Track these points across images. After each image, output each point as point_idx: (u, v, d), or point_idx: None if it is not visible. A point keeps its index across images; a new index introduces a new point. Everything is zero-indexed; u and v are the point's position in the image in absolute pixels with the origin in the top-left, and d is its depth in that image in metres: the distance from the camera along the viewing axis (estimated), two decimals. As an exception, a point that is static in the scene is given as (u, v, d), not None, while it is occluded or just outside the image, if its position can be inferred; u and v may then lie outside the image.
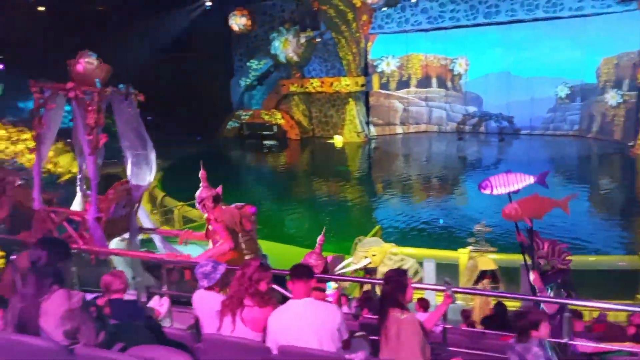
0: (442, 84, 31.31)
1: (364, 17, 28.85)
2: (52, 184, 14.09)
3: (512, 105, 28.86)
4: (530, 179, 5.05)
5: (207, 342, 3.40)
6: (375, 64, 31.29)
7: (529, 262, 5.13)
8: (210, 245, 5.95)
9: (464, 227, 13.55)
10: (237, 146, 31.86)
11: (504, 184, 5.04)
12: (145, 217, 6.63)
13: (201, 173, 5.87)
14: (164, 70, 30.73)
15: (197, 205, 5.93)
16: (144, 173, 6.32)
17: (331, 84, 30.12)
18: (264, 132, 32.08)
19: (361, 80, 30.06)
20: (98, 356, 2.79)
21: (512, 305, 7.07)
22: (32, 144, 18.13)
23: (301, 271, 3.41)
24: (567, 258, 4.97)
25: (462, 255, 10.13)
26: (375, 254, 9.61)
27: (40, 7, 26.99)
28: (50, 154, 18.32)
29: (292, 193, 21.09)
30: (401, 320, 3.17)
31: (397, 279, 3.31)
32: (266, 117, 32.37)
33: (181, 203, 15.12)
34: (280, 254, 10.18)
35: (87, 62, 5.60)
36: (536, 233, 5.12)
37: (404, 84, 31.72)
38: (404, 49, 31.20)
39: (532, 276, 4.77)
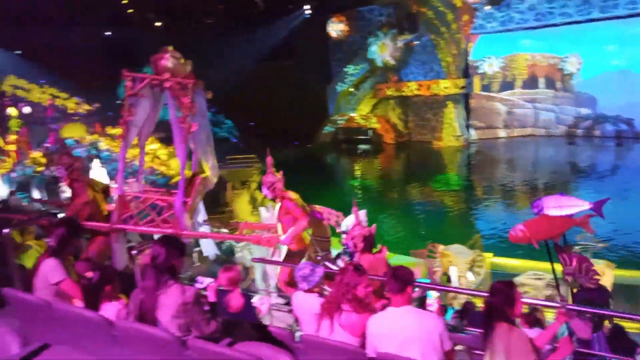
0: (550, 84, 29.28)
1: (465, 17, 27.89)
2: (165, 184, 15.22)
3: (631, 106, 26.18)
4: (585, 205, 4.91)
5: (306, 342, 3.46)
6: (476, 65, 30.06)
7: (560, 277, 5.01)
8: (280, 229, 6.13)
9: (571, 238, 12.52)
10: (333, 151, 32.27)
11: (557, 206, 4.89)
12: (202, 209, 6.89)
13: (268, 159, 6.13)
14: (264, 77, 32.00)
15: (264, 190, 6.22)
16: (213, 166, 6.56)
17: (429, 87, 29.48)
18: (359, 137, 32.20)
19: (461, 82, 29.08)
20: (207, 349, 2.97)
21: (630, 326, 6.39)
22: (161, 152, 19.85)
23: (399, 284, 3.34)
24: (595, 277, 4.65)
25: (571, 269, 9.37)
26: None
27: (157, 23, 29.72)
28: (164, 157, 19.96)
29: (386, 198, 20.90)
30: (511, 336, 3.00)
31: (505, 291, 3.14)
32: (361, 122, 32.46)
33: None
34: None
35: (172, 57, 5.86)
36: (564, 249, 4.92)
37: (508, 85, 30.13)
38: (508, 48, 29.60)
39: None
